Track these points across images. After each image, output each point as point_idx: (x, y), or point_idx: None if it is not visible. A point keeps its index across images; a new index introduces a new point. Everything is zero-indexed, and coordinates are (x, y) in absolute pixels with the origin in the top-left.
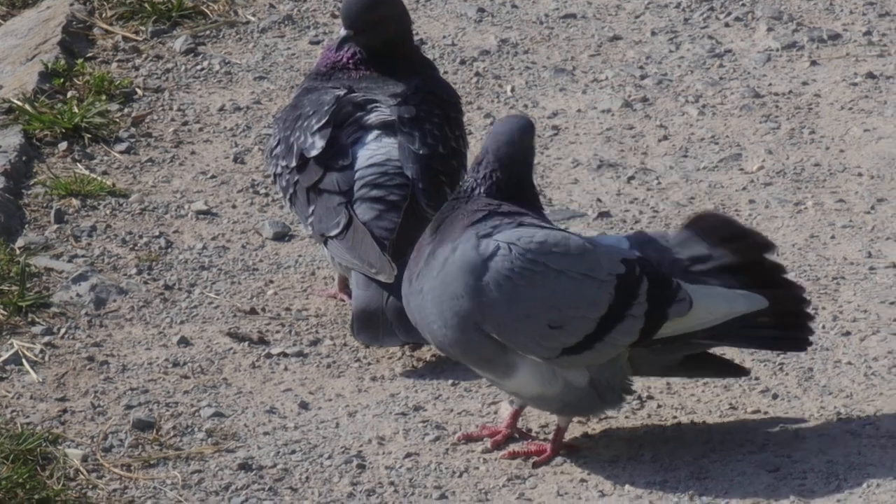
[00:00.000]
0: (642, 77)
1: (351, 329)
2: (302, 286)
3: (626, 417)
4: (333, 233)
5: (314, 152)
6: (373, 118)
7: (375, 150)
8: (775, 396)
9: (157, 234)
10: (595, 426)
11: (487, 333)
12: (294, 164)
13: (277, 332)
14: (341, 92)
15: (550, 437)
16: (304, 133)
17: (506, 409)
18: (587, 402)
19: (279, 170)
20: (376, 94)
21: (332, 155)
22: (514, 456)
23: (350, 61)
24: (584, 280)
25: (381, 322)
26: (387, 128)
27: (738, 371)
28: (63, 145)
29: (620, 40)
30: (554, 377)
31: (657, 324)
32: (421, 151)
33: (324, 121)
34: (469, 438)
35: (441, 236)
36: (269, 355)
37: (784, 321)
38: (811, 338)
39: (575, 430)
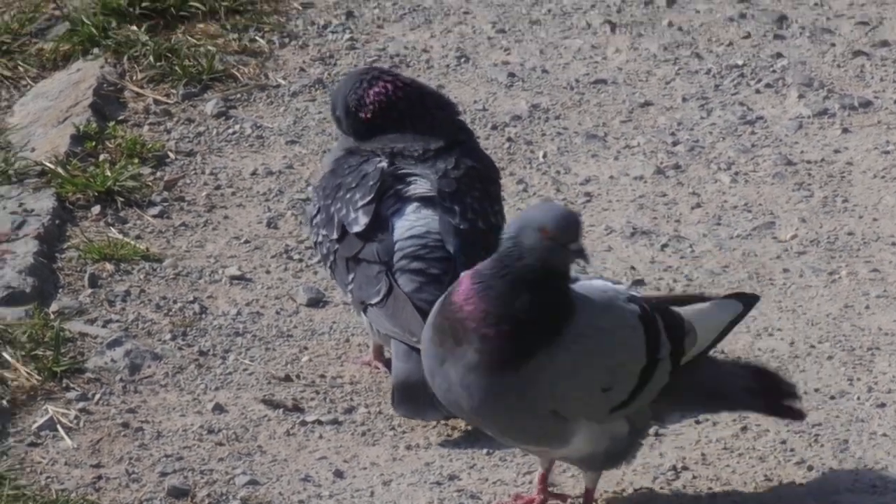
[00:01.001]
0: (674, 143)
1: (392, 401)
2: (336, 353)
3: (661, 489)
4: (374, 300)
5: (357, 228)
6: (412, 190)
7: (415, 222)
8: (810, 468)
9: (191, 299)
10: (630, 497)
11: (549, 412)
12: (335, 236)
13: (312, 399)
14: (384, 163)
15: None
16: (347, 206)
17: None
18: (627, 449)
19: (320, 238)
20: (416, 166)
21: (372, 227)
22: None
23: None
24: (623, 330)
25: (423, 394)
26: (426, 200)
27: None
28: (96, 209)
29: (651, 106)
30: (602, 434)
31: (679, 360)
32: (462, 226)
33: (369, 198)
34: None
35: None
36: (303, 423)
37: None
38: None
39: (610, 500)
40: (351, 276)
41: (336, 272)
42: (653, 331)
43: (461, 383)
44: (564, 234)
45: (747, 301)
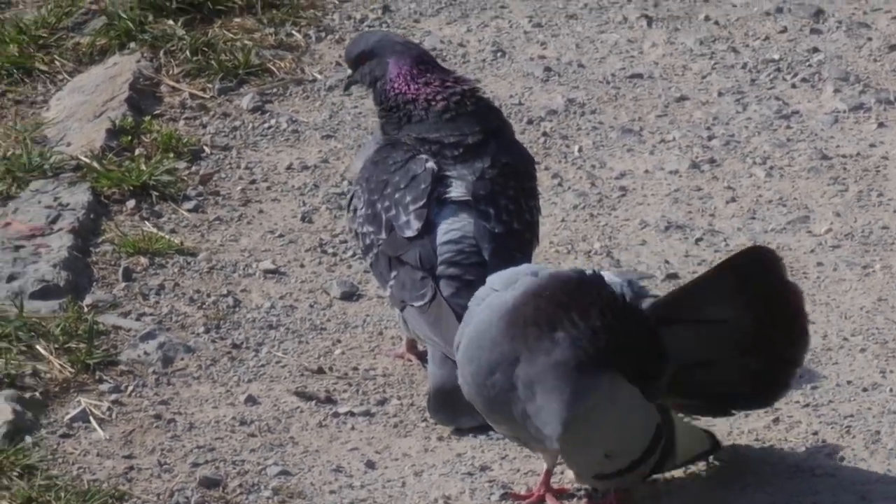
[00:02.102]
0: (709, 138)
1: (428, 407)
2: (370, 346)
3: (693, 479)
4: (417, 304)
5: (409, 233)
6: (450, 193)
7: (451, 226)
8: (842, 459)
9: (224, 292)
10: (662, 487)
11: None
12: (383, 235)
13: (344, 391)
14: (431, 164)
15: (610, 492)
16: (396, 206)
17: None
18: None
19: (364, 230)
20: (455, 166)
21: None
22: None
23: (416, 94)
24: (645, 429)
25: (460, 401)
26: (462, 204)
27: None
28: (131, 203)
29: (687, 101)
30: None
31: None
32: (496, 230)
33: (421, 202)
34: (515, 497)
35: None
36: (336, 414)
37: None
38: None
39: (640, 490)
40: (393, 274)
41: (376, 267)
42: (655, 440)
43: (538, 379)
44: None
45: (714, 443)
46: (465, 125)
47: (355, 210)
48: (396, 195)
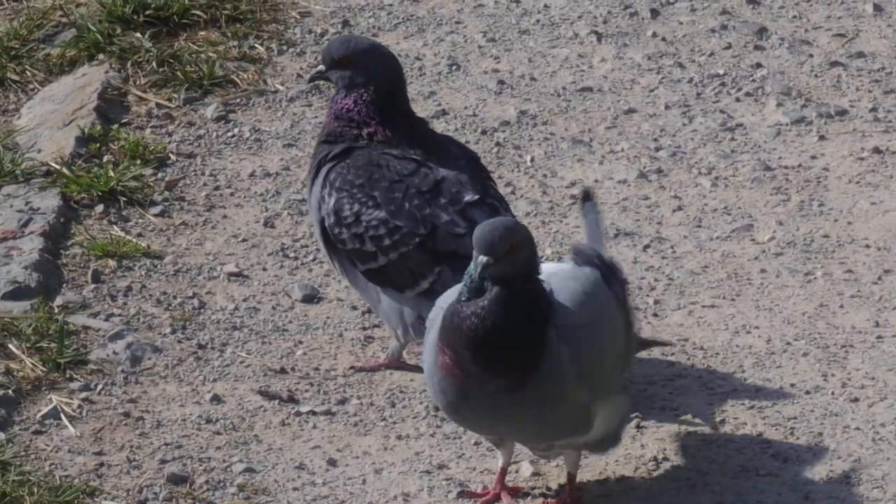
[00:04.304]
0: (657, 149)
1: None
2: (330, 347)
3: (643, 478)
4: None
5: (459, 230)
6: (464, 196)
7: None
8: (786, 460)
9: (190, 294)
10: (613, 486)
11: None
12: (422, 230)
13: (306, 390)
14: (443, 171)
15: (565, 491)
16: (431, 206)
17: (527, 469)
18: (622, 424)
19: (390, 226)
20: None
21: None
22: None
23: (363, 115)
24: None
25: None
26: (474, 203)
27: None
28: (99, 208)
29: (635, 113)
30: (615, 410)
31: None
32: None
33: (459, 206)
34: (471, 495)
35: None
36: (298, 413)
37: None
38: None
39: (593, 489)
40: (437, 270)
41: (407, 261)
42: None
43: (492, 404)
44: (475, 245)
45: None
46: (406, 148)
47: (357, 215)
48: (427, 196)
